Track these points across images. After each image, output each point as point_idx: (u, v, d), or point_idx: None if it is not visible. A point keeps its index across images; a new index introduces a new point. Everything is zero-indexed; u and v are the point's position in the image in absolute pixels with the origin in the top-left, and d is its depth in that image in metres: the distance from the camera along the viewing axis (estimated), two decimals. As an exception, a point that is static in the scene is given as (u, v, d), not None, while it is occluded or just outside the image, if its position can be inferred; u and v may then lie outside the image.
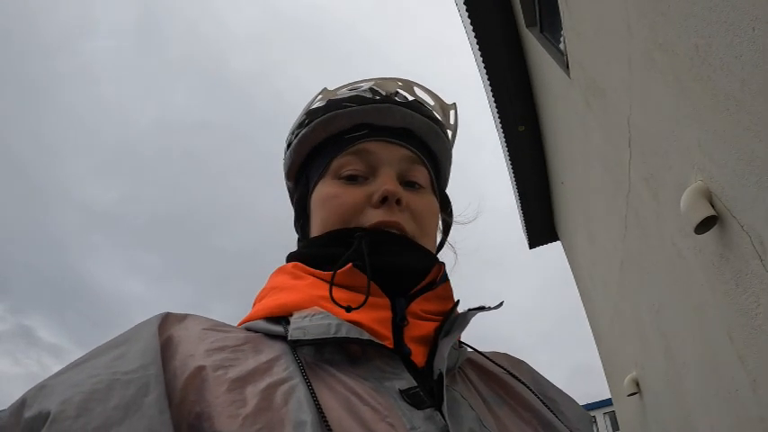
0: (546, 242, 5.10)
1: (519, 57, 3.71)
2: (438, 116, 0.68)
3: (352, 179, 0.59)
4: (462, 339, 0.57)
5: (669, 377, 2.11)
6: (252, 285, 0.59)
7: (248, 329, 0.49)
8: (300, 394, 0.39)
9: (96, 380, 0.36)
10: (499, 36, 3.60)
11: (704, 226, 1.25)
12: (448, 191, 0.72)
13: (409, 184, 0.60)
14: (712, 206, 1.23)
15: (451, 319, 0.53)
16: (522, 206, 4.75)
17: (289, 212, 0.68)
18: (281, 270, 0.58)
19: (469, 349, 0.58)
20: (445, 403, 0.42)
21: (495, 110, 3.99)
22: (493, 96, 3.90)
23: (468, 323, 0.53)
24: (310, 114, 0.64)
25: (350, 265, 0.51)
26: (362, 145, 0.60)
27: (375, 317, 0.49)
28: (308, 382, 0.40)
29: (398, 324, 0.50)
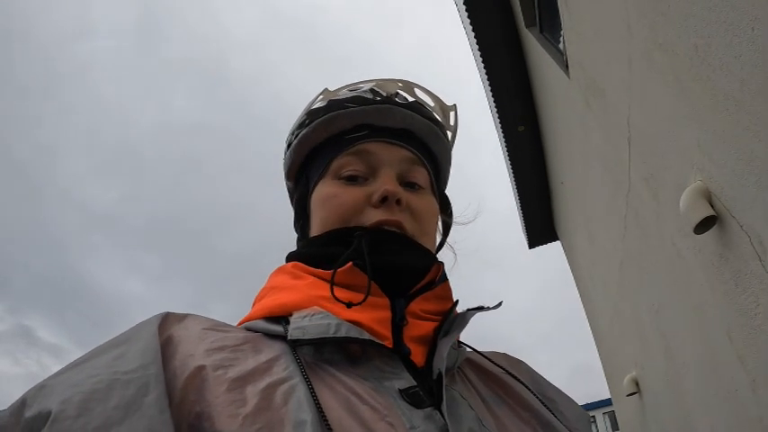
0: (546, 242, 5.11)
1: (519, 57, 3.71)
2: (438, 117, 0.68)
3: (352, 179, 0.59)
4: (461, 339, 0.57)
5: (669, 377, 2.11)
6: (252, 285, 0.59)
7: (248, 329, 0.49)
8: (300, 394, 0.39)
9: (96, 380, 0.36)
10: (499, 36, 3.60)
11: (704, 226, 1.26)
12: (448, 191, 0.72)
13: (409, 185, 0.60)
14: (712, 206, 1.23)
15: (451, 319, 0.53)
16: (521, 206, 4.76)
17: (288, 213, 0.68)
18: (280, 270, 0.58)
19: (468, 349, 0.58)
20: (444, 403, 0.42)
21: (495, 110, 3.99)
22: (493, 96, 3.90)
23: (467, 323, 0.53)
24: (311, 114, 0.64)
25: (350, 263, 0.51)
26: (363, 145, 0.60)
27: (374, 317, 0.49)
28: (308, 381, 0.40)
29: (398, 324, 0.50)
